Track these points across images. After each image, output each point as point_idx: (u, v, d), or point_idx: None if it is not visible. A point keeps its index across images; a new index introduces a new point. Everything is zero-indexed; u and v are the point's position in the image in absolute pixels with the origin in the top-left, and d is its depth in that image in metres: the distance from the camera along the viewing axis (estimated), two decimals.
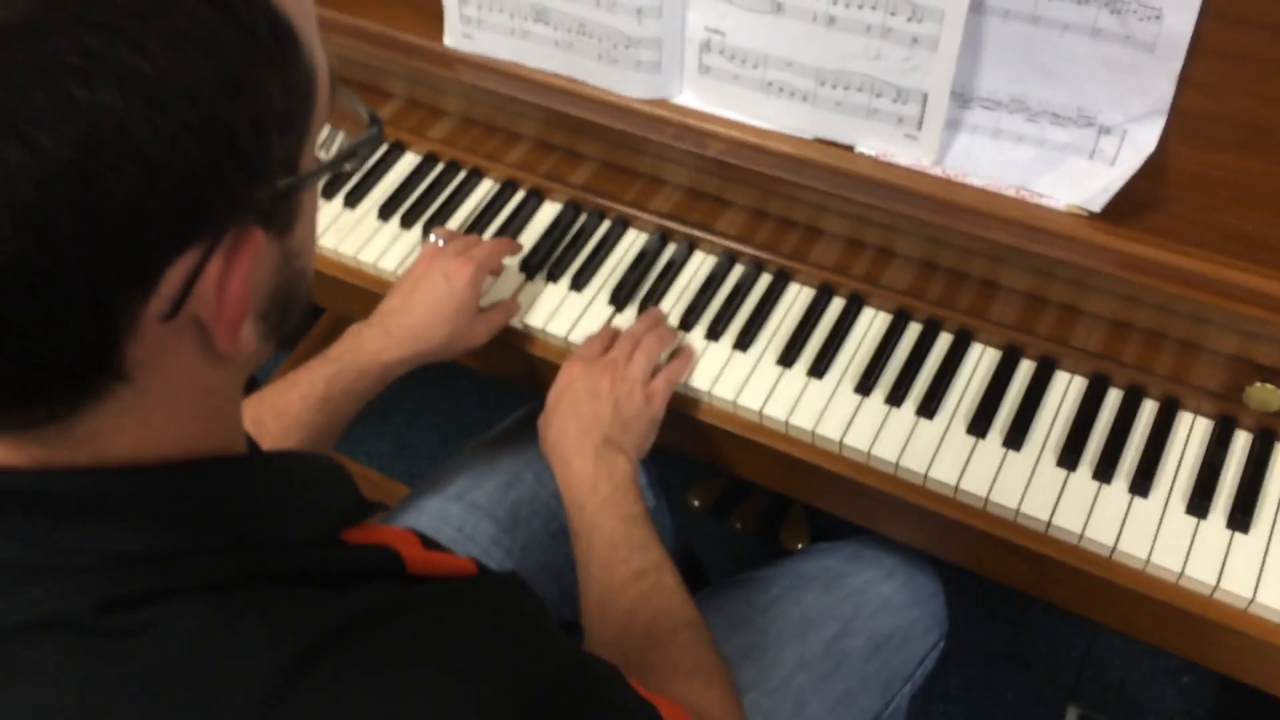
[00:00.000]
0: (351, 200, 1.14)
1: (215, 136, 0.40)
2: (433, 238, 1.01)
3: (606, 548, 0.82)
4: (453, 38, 1.07)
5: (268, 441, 0.86)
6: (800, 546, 1.47)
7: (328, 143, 0.55)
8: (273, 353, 0.51)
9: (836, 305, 1.02)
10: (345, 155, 0.50)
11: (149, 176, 0.38)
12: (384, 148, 1.18)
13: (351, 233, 1.11)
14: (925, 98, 0.90)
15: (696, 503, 1.55)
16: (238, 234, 0.43)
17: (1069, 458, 0.91)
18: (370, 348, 0.91)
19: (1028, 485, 0.90)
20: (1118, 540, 0.86)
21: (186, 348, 0.44)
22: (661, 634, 0.77)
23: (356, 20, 1.10)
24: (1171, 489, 0.89)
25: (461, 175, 1.15)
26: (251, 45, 0.41)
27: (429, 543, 0.54)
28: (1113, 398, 0.94)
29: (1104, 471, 0.90)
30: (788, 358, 0.99)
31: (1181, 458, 0.91)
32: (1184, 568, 0.84)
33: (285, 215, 0.46)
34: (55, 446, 0.44)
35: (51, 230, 0.37)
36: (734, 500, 1.54)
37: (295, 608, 0.45)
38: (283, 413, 0.87)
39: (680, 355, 0.98)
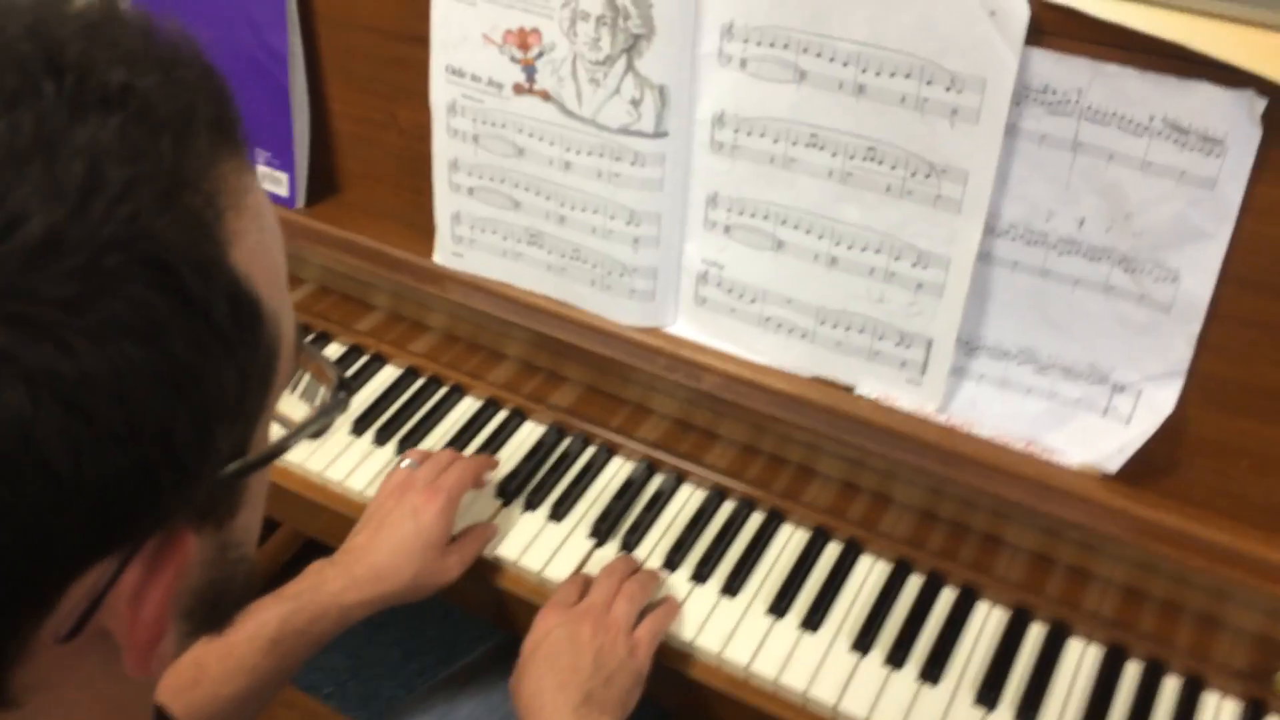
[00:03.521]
0: None
1: (146, 441, 0.33)
2: (406, 463, 0.94)
3: None
4: (443, 255, 1.04)
5: (207, 686, 0.77)
6: None
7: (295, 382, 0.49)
8: (193, 644, 0.44)
9: (832, 550, 0.96)
10: (306, 428, 0.43)
11: (57, 492, 0.32)
12: (364, 359, 1.13)
13: (321, 447, 1.05)
14: (930, 343, 0.86)
15: None
16: (163, 539, 0.36)
17: None
18: (331, 588, 0.83)
19: None
20: None
21: (89, 665, 0.37)
22: None
23: (346, 234, 1.07)
24: None
25: (442, 391, 1.10)
26: (204, 331, 0.34)
27: None
28: (1131, 671, 0.87)
29: None
30: (779, 606, 0.91)
31: None
32: None
33: (227, 504, 0.39)
34: None
35: None
36: None
37: None
38: (228, 654, 0.78)
39: (666, 603, 0.90)
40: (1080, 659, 0.88)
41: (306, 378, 0.48)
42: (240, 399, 0.37)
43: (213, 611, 0.42)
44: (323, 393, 0.47)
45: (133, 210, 0.32)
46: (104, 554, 0.34)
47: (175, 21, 0.37)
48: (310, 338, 1.16)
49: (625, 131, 0.88)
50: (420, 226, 1.05)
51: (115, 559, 0.34)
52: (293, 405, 0.48)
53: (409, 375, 1.12)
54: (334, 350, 1.15)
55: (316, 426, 0.44)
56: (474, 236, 1.01)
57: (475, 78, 0.93)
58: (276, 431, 0.43)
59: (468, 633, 1.64)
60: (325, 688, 1.58)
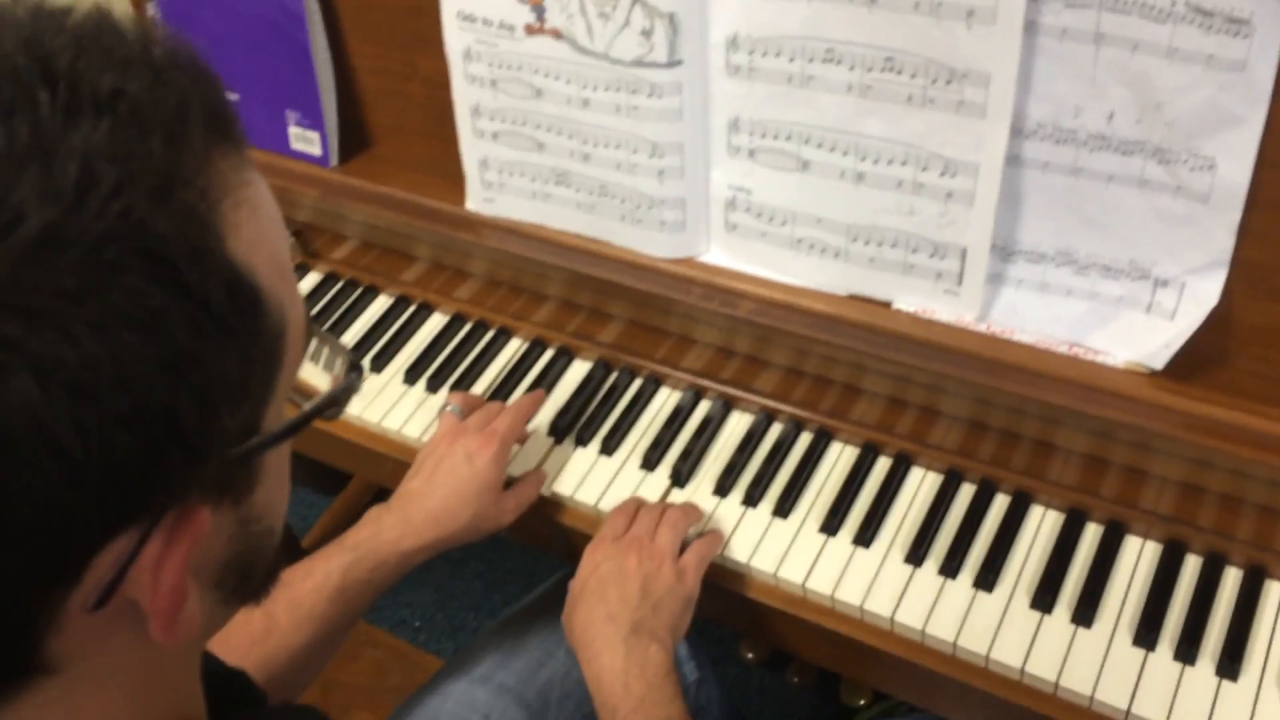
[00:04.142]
0: (378, 364, 1.11)
1: (152, 423, 0.35)
2: (450, 407, 0.97)
3: None
4: (475, 202, 1.05)
5: (278, 636, 0.81)
6: (862, 703, 1.38)
7: (316, 354, 0.51)
8: (235, 613, 0.46)
9: (882, 466, 0.96)
10: (319, 410, 0.45)
11: (69, 472, 0.34)
12: (411, 309, 1.16)
13: (376, 398, 1.08)
14: (964, 252, 0.85)
15: (749, 655, 1.46)
16: (179, 514, 0.38)
17: (1146, 635, 0.82)
18: (389, 535, 0.86)
19: (1102, 667, 0.82)
20: None
21: (122, 633, 0.39)
22: None
23: (381, 188, 1.09)
24: (1264, 672, 0.80)
25: (489, 335, 1.12)
26: (202, 318, 0.36)
27: None
28: (1191, 565, 0.86)
29: (1186, 652, 0.81)
30: (831, 525, 0.92)
31: (1273, 636, 0.82)
32: None
33: (243, 481, 0.41)
34: None
35: None
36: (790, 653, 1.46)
37: None
38: (296, 605, 0.82)
39: (712, 532, 0.92)
40: (1138, 557, 0.87)
41: (326, 351, 0.50)
42: (244, 382, 0.39)
43: (244, 582, 0.44)
44: (339, 365, 0.49)
45: (126, 206, 0.34)
46: (122, 529, 0.36)
47: (172, 28, 0.39)
48: (359, 291, 1.19)
49: (639, 63, 0.87)
50: (452, 175, 1.06)
51: (134, 533, 0.37)
52: (318, 376, 0.50)
53: (456, 322, 1.14)
54: (381, 303, 1.18)
55: (329, 408, 0.46)
56: (502, 181, 1.01)
57: (486, 22, 0.93)
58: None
59: (546, 563, 1.69)
60: (414, 621, 1.65)
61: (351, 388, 0.48)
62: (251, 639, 0.81)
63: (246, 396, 0.39)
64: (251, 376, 0.39)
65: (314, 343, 0.48)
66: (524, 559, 1.73)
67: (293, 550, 1.58)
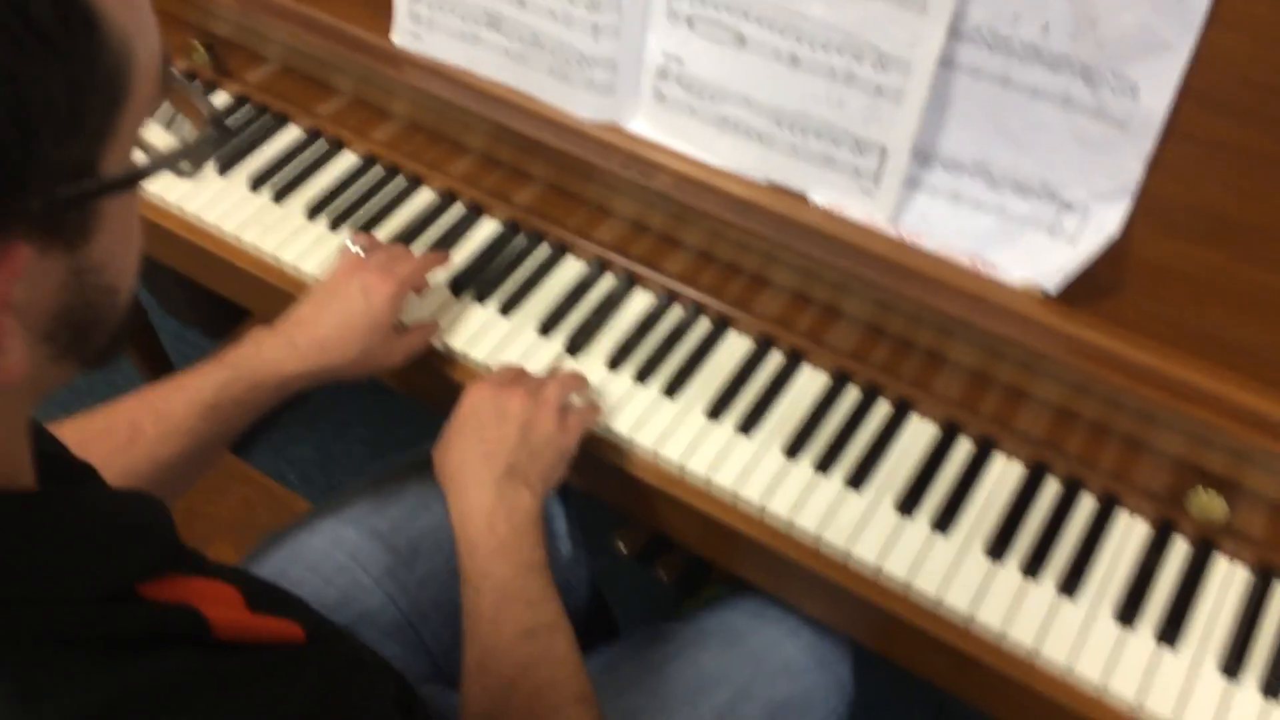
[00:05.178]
0: (280, 196, 1.07)
1: None
2: (353, 246, 0.94)
3: (496, 599, 0.75)
4: (401, 36, 1.01)
5: (143, 446, 0.79)
6: None
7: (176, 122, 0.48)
8: (72, 375, 0.44)
9: (774, 360, 0.97)
10: (166, 160, 0.43)
11: None
12: (323, 143, 1.12)
13: (274, 229, 1.04)
14: (884, 151, 0.85)
15: (621, 546, 1.48)
16: None
17: (998, 548, 0.85)
18: (271, 357, 0.84)
19: (952, 573, 0.84)
20: (1040, 642, 0.81)
21: None
22: (542, 711, 0.70)
23: (304, 9, 1.04)
24: (1102, 592, 0.84)
25: (400, 181, 1.09)
26: (19, 28, 0.33)
27: (260, 601, 0.47)
28: (1050, 488, 0.89)
29: (1033, 567, 0.84)
30: (717, 410, 0.93)
31: (1115, 560, 0.85)
32: (1107, 680, 0.79)
33: (76, 226, 0.39)
34: None
35: None
36: (660, 549, 1.48)
37: (58, 676, 0.38)
38: (164, 417, 0.80)
39: (595, 403, 0.92)
40: (1002, 475, 0.90)
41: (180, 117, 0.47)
42: (76, 112, 0.36)
43: (80, 340, 0.42)
44: (188, 129, 0.46)
45: None
46: None
47: None
48: (269, 118, 1.14)
49: None
50: (382, 6, 1.02)
51: None
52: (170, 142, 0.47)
53: (368, 163, 1.11)
54: (293, 133, 1.13)
55: (180, 161, 0.43)
56: (432, 17, 0.98)
57: None
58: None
59: (434, 432, 1.68)
60: (290, 477, 1.62)
61: (210, 141, 0.45)
62: (114, 446, 0.78)
63: (78, 129, 0.37)
64: (85, 108, 0.37)
65: (176, 114, 0.45)
66: (410, 427, 1.71)
67: None
